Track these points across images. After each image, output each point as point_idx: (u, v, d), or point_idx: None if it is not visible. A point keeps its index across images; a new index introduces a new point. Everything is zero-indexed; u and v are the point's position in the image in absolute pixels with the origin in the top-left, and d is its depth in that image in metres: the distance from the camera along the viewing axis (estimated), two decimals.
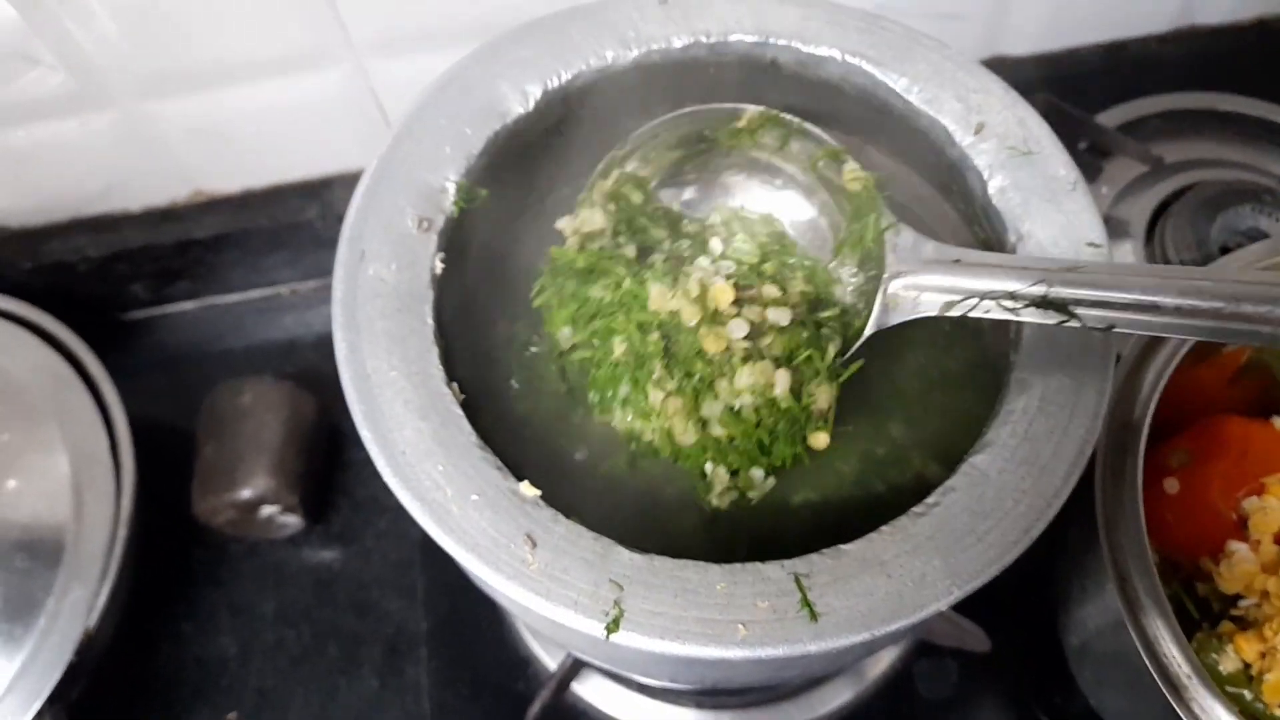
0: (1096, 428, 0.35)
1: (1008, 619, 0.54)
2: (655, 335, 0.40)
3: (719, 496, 0.41)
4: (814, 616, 0.32)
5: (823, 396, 0.40)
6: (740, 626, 0.32)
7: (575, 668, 0.53)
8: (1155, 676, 0.36)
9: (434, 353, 0.36)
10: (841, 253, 0.43)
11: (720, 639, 0.32)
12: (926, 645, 0.57)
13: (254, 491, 0.66)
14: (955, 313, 0.36)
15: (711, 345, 0.39)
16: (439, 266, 0.38)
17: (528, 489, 0.35)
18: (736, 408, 0.39)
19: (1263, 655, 0.43)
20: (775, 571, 0.34)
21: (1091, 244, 0.38)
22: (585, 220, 0.42)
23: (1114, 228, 0.65)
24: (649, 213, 0.44)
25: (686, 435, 0.40)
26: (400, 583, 0.69)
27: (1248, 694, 0.43)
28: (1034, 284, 0.33)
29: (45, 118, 0.65)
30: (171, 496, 0.68)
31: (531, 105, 0.41)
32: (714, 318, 0.39)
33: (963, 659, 0.56)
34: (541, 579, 0.33)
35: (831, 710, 0.55)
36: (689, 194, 0.46)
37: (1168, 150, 0.68)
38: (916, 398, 0.46)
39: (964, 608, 0.54)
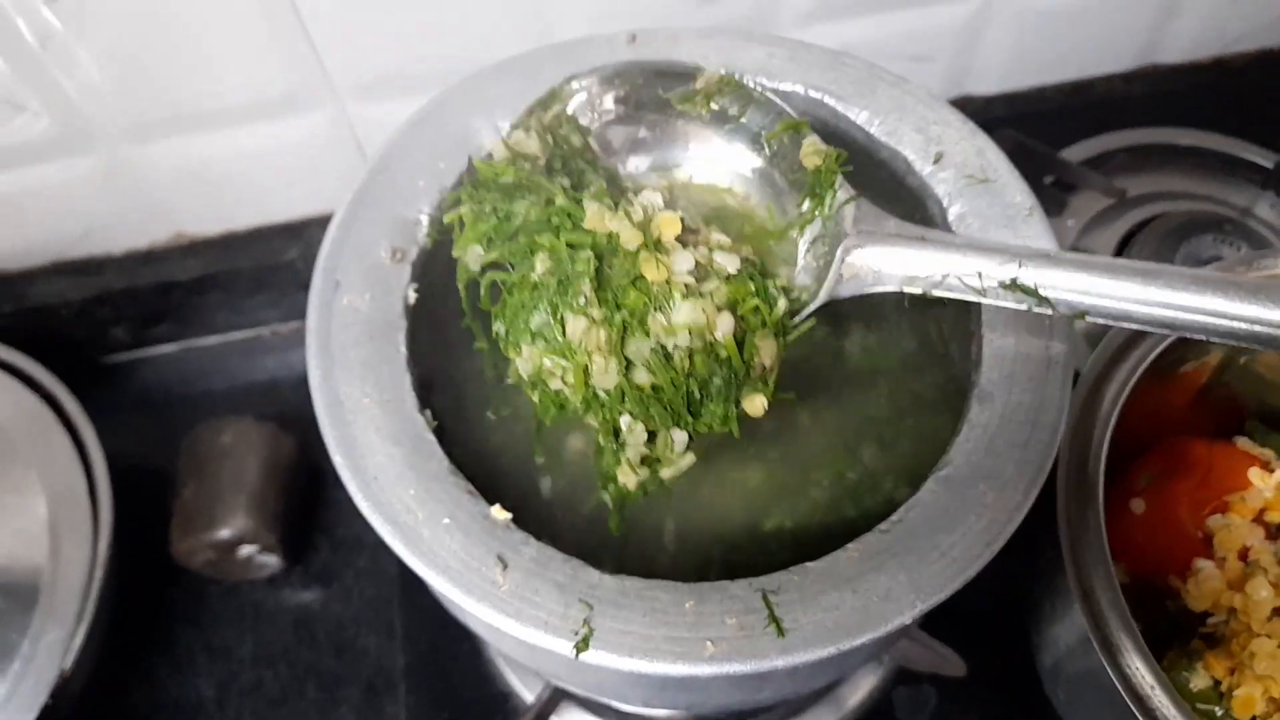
0: (1056, 442, 0.35)
1: (983, 642, 0.54)
2: (586, 254, 0.35)
3: (629, 471, 0.37)
4: (781, 632, 0.33)
5: (767, 352, 0.36)
6: (708, 644, 0.33)
7: (553, 700, 0.52)
8: (1123, 693, 0.36)
9: (407, 381, 0.37)
10: (795, 230, 0.40)
11: (688, 656, 0.32)
12: (905, 672, 0.57)
13: (232, 531, 0.66)
14: (917, 289, 0.34)
15: (652, 272, 0.35)
16: (412, 296, 0.39)
17: (499, 512, 0.35)
18: (669, 349, 0.35)
19: (1231, 671, 0.43)
20: (743, 589, 0.34)
21: None
22: (519, 141, 0.39)
23: None
24: (587, 159, 0.41)
25: (606, 376, 0.35)
26: (379, 621, 0.68)
27: (1218, 710, 0.44)
28: (1003, 264, 0.33)
29: (28, 162, 0.66)
30: (151, 538, 0.68)
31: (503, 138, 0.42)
32: (656, 245, 0.36)
33: (941, 685, 0.56)
34: (512, 600, 0.33)
35: None
36: (636, 138, 0.43)
37: (1131, 184, 0.70)
38: (886, 420, 0.47)
39: (939, 632, 0.54)
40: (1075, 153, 0.71)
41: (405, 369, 0.37)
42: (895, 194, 0.43)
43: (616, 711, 0.53)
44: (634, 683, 0.38)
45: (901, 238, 0.36)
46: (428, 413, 0.37)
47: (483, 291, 0.39)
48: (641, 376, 0.36)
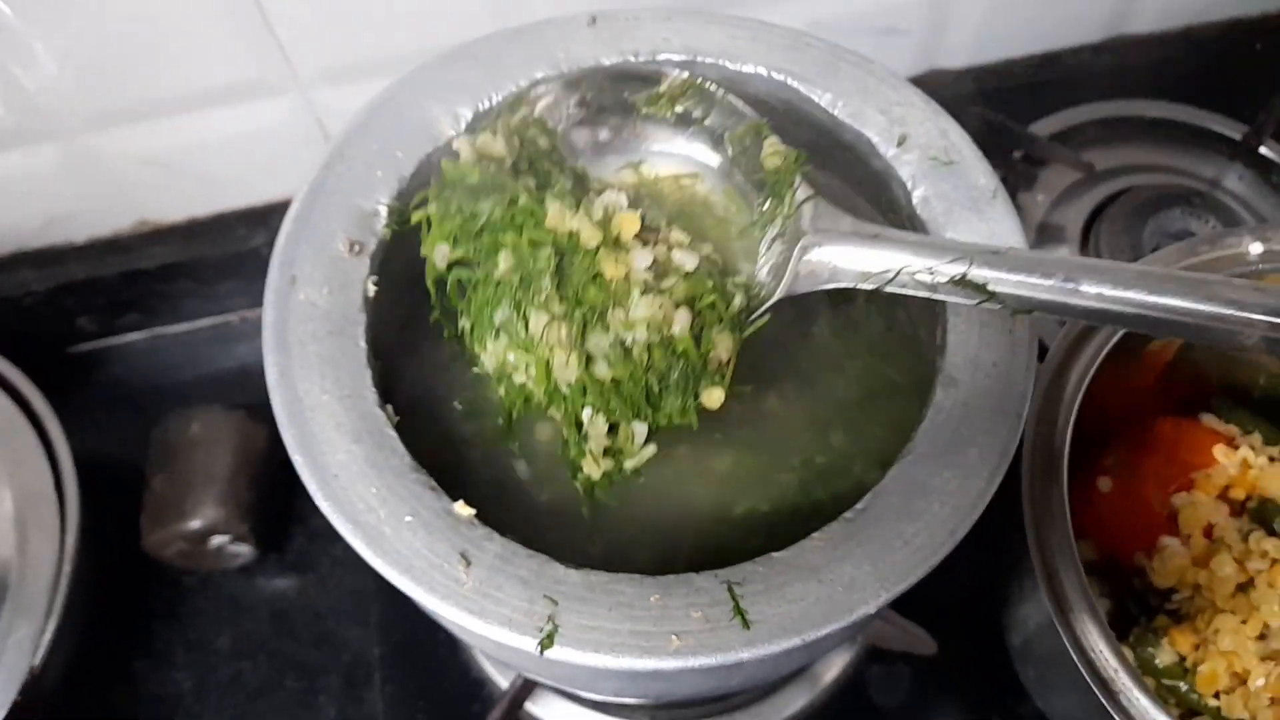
0: (1019, 428, 0.35)
1: (955, 622, 0.55)
2: (547, 252, 0.36)
3: (593, 462, 0.38)
4: (746, 624, 0.33)
5: (723, 346, 0.37)
6: (674, 637, 0.33)
7: (527, 687, 0.53)
8: (1086, 676, 0.37)
9: (367, 376, 0.37)
10: (755, 230, 0.41)
11: (654, 650, 0.32)
12: (878, 651, 0.57)
13: (203, 522, 0.65)
14: (870, 285, 0.36)
15: (610, 269, 0.36)
16: (371, 289, 0.38)
17: (462, 508, 0.35)
18: (628, 343, 0.36)
19: (1196, 647, 0.44)
20: (708, 582, 0.34)
21: (1008, 245, 0.38)
22: (485, 143, 0.39)
23: (1050, 233, 0.67)
24: (555, 160, 0.41)
25: (568, 370, 0.36)
26: (357, 610, 0.68)
27: (1183, 685, 0.44)
28: (952, 261, 0.34)
29: None
30: (122, 531, 0.67)
31: (464, 127, 0.41)
32: (616, 243, 0.37)
33: (914, 664, 0.57)
34: (475, 597, 0.33)
35: (785, 718, 0.55)
36: (600, 139, 0.44)
37: (1100, 157, 0.70)
38: (856, 404, 0.47)
39: (911, 612, 0.55)
40: (1044, 127, 0.71)
41: (365, 364, 0.37)
42: (861, 177, 0.43)
43: (590, 698, 0.53)
44: (602, 676, 0.38)
45: (857, 236, 0.36)
46: (389, 408, 0.37)
47: (449, 288, 0.40)
48: (602, 370, 0.36)
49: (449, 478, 0.37)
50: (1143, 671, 0.46)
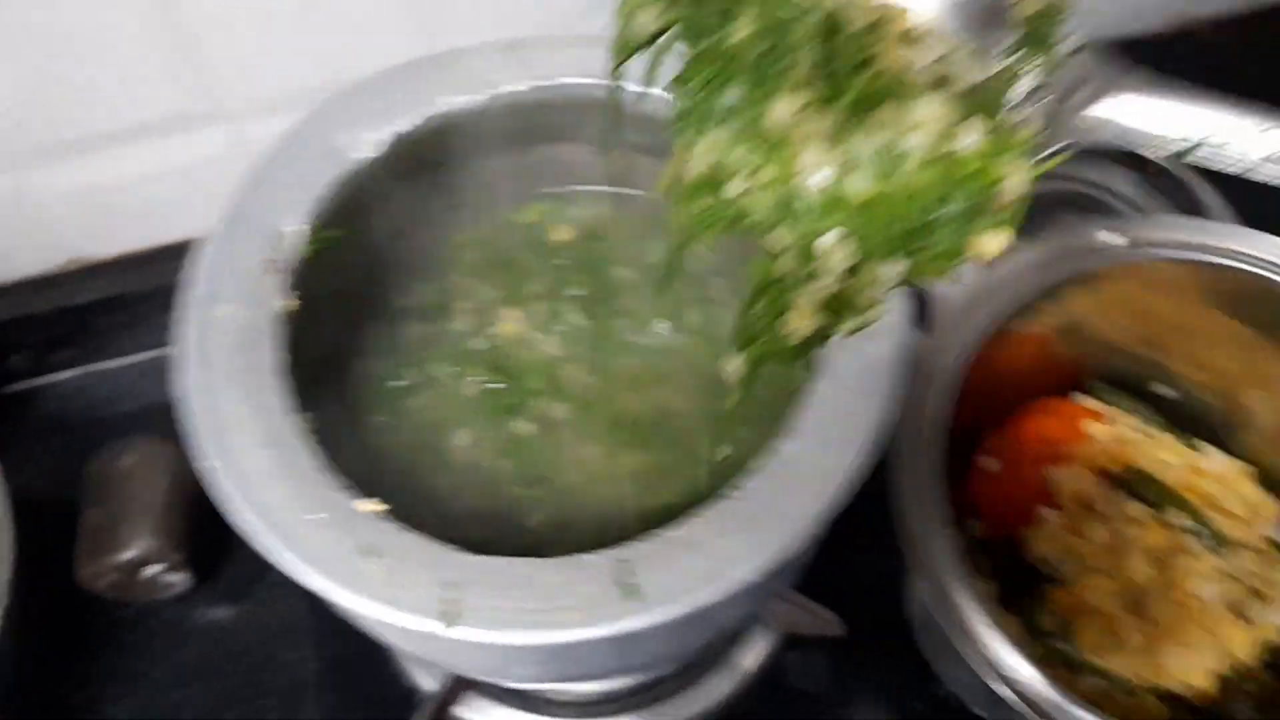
0: (893, 407, 0.39)
1: (864, 605, 0.57)
2: (814, 17, 0.27)
3: (805, 313, 0.30)
4: (636, 596, 0.35)
5: (1017, 177, 0.28)
6: (568, 612, 0.35)
7: (454, 690, 0.54)
8: (949, 635, 0.40)
9: (278, 386, 0.39)
10: (1002, 83, 0.32)
11: (550, 625, 0.35)
12: (794, 638, 0.60)
13: (137, 552, 0.66)
14: (1165, 152, 0.31)
15: (890, 55, 0.28)
16: (285, 305, 0.41)
17: (371, 505, 0.37)
18: (903, 150, 0.27)
19: (1076, 610, 0.47)
20: (602, 559, 0.37)
21: None
22: None
23: None
24: None
25: (818, 175, 0.27)
26: (292, 635, 0.69)
27: (1068, 648, 0.48)
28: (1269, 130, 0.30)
29: None
30: (58, 567, 0.68)
31: (378, 151, 0.44)
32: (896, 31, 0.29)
33: (829, 649, 0.60)
34: (381, 586, 0.35)
35: (706, 708, 0.58)
36: None
37: None
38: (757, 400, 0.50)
39: (821, 596, 0.57)
40: None
41: (279, 375, 0.39)
42: None
43: (520, 696, 0.55)
44: (510, 657, 0.40)
45: (1153, 89, 0.32)
46: (305, 416, 0.39)
47: (652, 68, 0.31)
48: (860, 183, 0.27)
49: (373, 488, 0.39)
50: (1031, 637, 0.49)
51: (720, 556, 0.36)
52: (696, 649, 0.45)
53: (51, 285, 0.75)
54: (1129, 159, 0.75)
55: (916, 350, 0.47)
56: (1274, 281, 0.46)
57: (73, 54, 0.61)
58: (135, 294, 0.75)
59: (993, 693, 0.41)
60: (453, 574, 0.36)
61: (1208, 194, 0.69)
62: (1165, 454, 0.50)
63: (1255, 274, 0.47)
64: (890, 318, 0.41)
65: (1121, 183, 0.74)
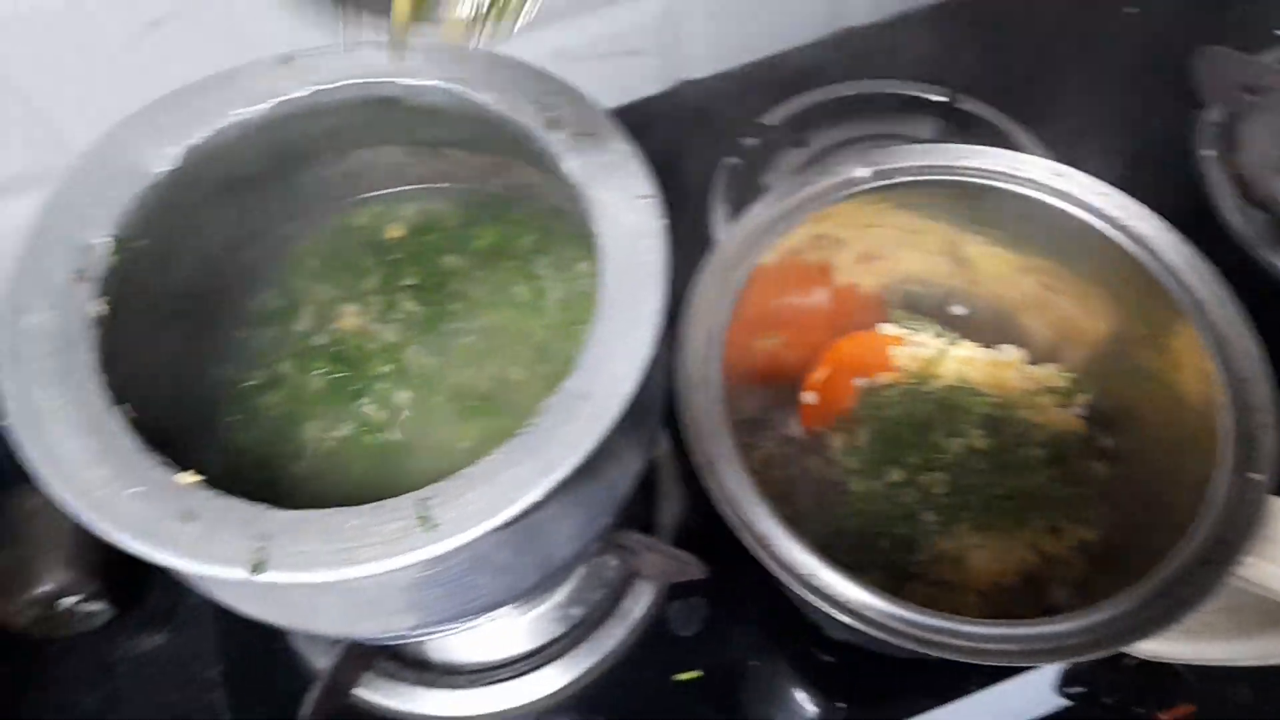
0: (651, 339, 0.42)
1: (736, 549, 0.61)
2: None
3: None
4: (430, 527, 0.39)
5: None
6: (369, 548, 0.38)
7: (348, 666, 0.57)
8: (746, 540, 0.43)
9: (95, 381, 0.42)
10: None
11: (352, 561, 0.38)
12: (674, 588, 0.63)
13: (53, 585, 0.69)
14: None
15: None
16: (98, 309, 0.44)
17: (187, 477, 0.40)
18: None
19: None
20: (403, 502, 0.40)
21: (641, 195, 0.46)
22: None
23: None
24: None
25: None
26: (210, 652, 0.72)
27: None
28: None
29: None
30: None
31: (174, 163, 0.48)
32: None
33: (708, 595, 0.63)
34: (194, 543, 0.38)
35: (597, 662, 0.61)
36: None
37: (827, 135, 0.79)
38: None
39: (688, 545, 0.61)
40: (772, 117, 0.80)
41: (94, 371, 0.42)
42: (529, 156, 0.50)
43: (416, 669, 0.58)
44: (348, 603, 0.43)
45: None
46: (126, 407, 0.42)
47: None
48: None
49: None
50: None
51: (508, 484, 0.40)
52: (539, 584, 0.48)
53: None
54: (951, 114, 0.80)
55: (690, 293, 0.51)
56: (1026, 197, 0.50)
57: None
58: None
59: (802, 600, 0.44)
60: (264, 528, 0.39)
61: (1011, 127, 0.74)
62: (957, 357, 0.54)
63: (1009, 190, 0.51)
64: (656, 267, 0.45)
65: (947, 135, 0.79)
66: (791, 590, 0.44)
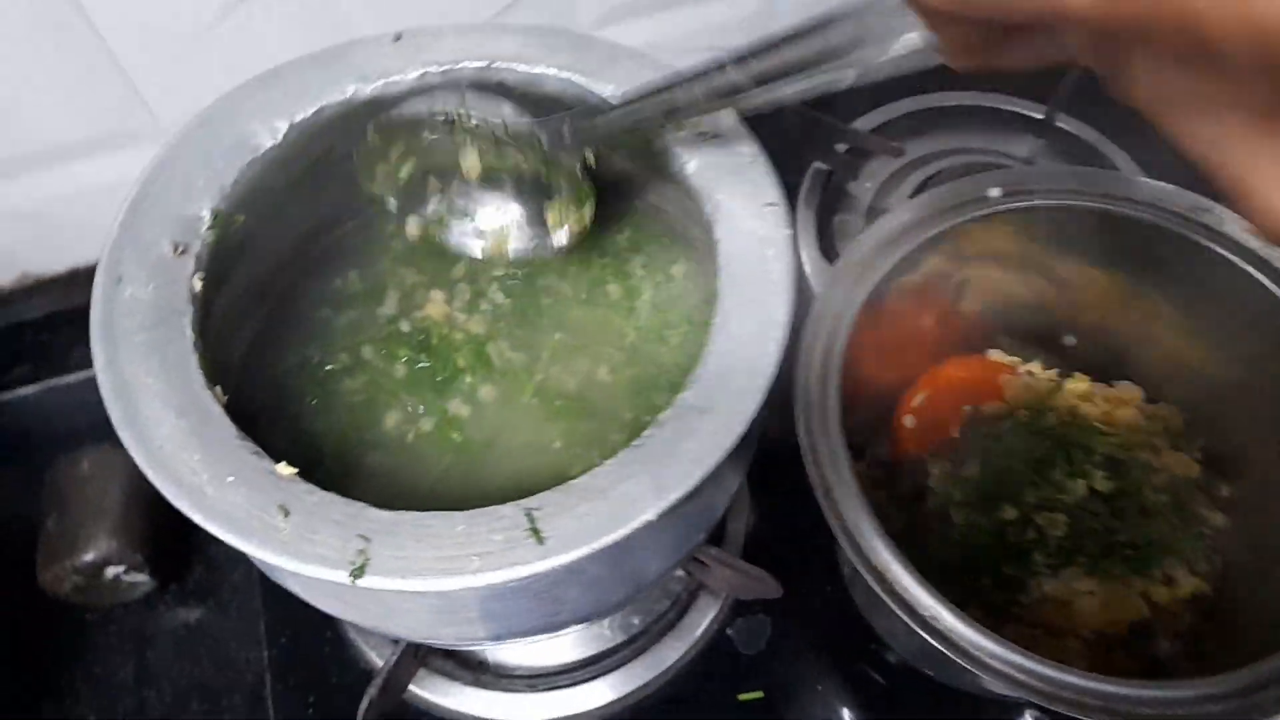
0: (778, 354, 0.40)
1: (802, 567, 0.59)
2: None
3: None
4: (540, 540, 0.37)
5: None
6: (475, 558, 0.36)
7: (406, 664, 0.56)
8: (864, 572, 0.41)
9: (193, 360, 0.40)
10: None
11: (456, 571, 0.36)
12: (740, 604, 0.61)
13: (96, 554, 0.67)
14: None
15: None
16: (197, 285, 0.42)
17: (284, 468, 0.39)
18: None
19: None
20: (510, 510, 0.38)
21: (769, 204, 0.44)
22: None
23: (877, 216, 0.72)
24: None
25: None
26: (256, 631, 0.70)
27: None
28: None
29: None
30: (22, 581, 0.69)
31: (280, 138, 0.45)
32: None
33: (772, 613, 0.61)
34: (292, 541, 0.36)
35: (657, 675, 0.59)
36: None
37: (916, 146, 0.76)
38: (674, 368, 0.51)
39: (759, 560, 0.59)
40: (865, 123, 0.77)
41: (191, 349, 0.40)
42: (646, 155, 0.48)
43: (474, 671, 0.57)
44: (432, 611, 0.41)
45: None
46: (217, 389, 0.40)
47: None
48: None
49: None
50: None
51: (621, 500, 0.38)
52: (625, 601, 0.46)
53: (3, 303, 0.76)
54: (1048, 131, 0.77)
55: (812, 309, 0.49)
56: (1164, 229, 0.48)
57: (4, 77, 0.62)
58: (86, 307, 0.76)
59: (922, 643, 0.42)
60: (362, 527, 0.37)
61: (1109, 149, 0.71)
62: (1074, 390, 0.51)
63: (1144, 220, 0.48)
64: (782, 278, 0.42)
65: (1041, 155, 0.77)
66: (908, 626, 0.42)
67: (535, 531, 0.37)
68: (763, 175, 0.45)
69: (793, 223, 0.43)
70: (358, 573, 0.36)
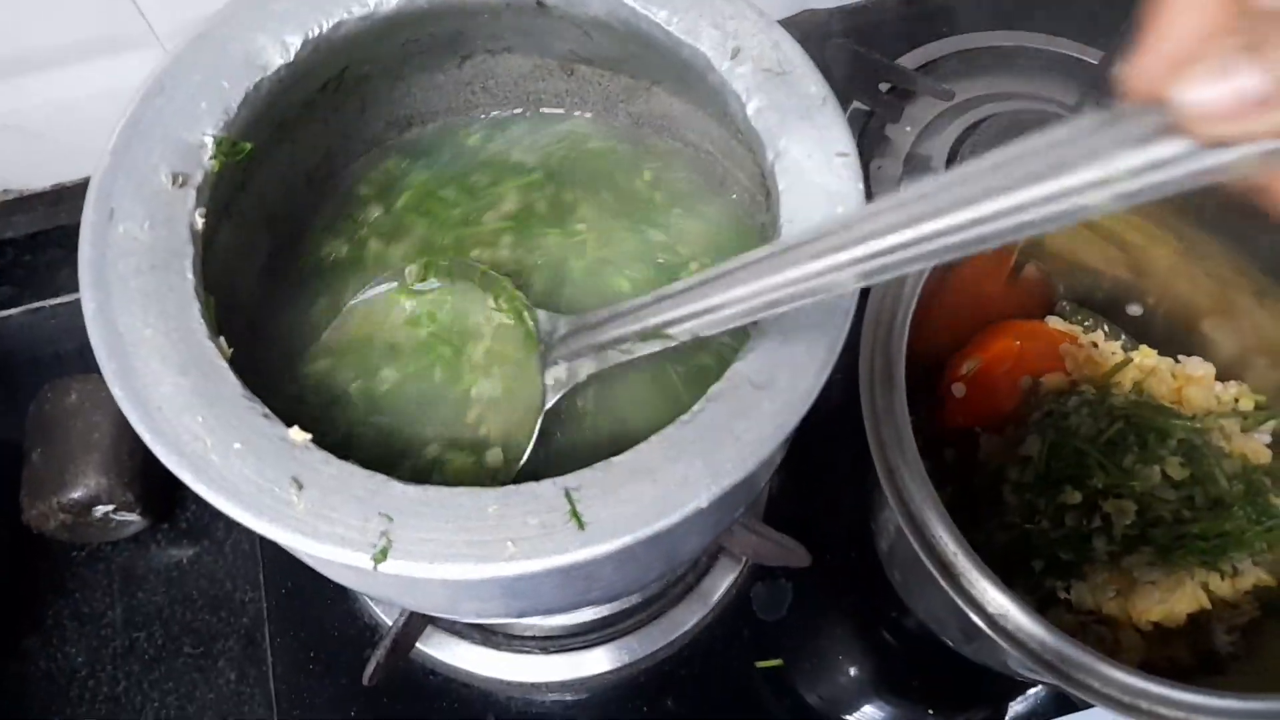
0: (845, 325, 0.36)
1: (830, 536, 0.56)
2: None
3: None
4: (581, 526, 0.33)
5: None
6: (509, 544, 0.33)
7: (412, 625, 0.53)
8: (924, 557, 0.38)
9: (195, 308, 0.36)
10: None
11: (489, 557, 0.33)
12: (761, 569, 0.59)
13: (85, 491, 0.64)
14: (592, 370, 0.40)
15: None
16: (199, 222, 0.37)
17: (297, 434, 0.35)
18: None
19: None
20: (547, 489, 0.34)
21: (840, 153, 0.39)
22: None
23: (917, 163, 0.68)
24: None
25: None
26: (252, 573, 0.67)
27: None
28: (632, 325, 0.37)
29: None
30: (5, 510, 0.66)
31: (293, 56, 0.40)
32: None
33: (795, 579, 0.59)
34: (307, 518, 0.33)
35: (673, 640, 0.57)
36: None
37: (963, 88, 0.71)
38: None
39: (787, 527, 0.56)
40: (910, 60, 0.72)
41: (193, 297, 0.36)
42: (699, 92, 0.43)
43: (483, 631, 0.54)
44: (455, 591, 0.38)
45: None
46: (221, 340, 0.36)
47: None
48: None
49: (308, 421, 0.36)
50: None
51: (671, 482, 0.34)
52: (657, 578, 0.43)
53: None
54: (1103, 80, 0.72)
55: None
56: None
57: None
58: (73, 226, 0.71)
59: (967, 623, 0.40)
60: (385, 504, 0.33)
61: None
62: (1141, 365, 0.48)
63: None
64: None
65: (1074, 92, 0.71)
66: (956, 611, 0.39)
67: (575, 515, 0.34)
68: (833, 120, 0.40)
69: (865, 176, 0.39)
70: (380, 557, 0.32)
